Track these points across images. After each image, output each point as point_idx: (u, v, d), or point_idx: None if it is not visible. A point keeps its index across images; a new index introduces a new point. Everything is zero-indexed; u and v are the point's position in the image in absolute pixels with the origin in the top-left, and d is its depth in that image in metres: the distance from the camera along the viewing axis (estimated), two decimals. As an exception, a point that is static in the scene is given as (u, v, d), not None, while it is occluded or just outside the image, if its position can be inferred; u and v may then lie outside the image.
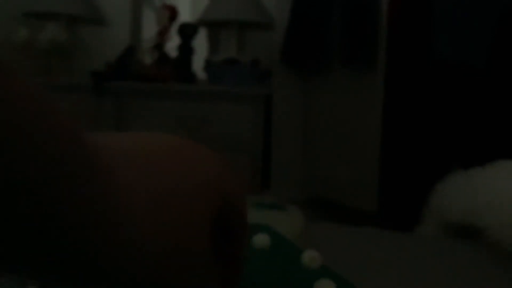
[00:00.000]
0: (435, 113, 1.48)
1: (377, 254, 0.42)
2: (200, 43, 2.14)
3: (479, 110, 1.36)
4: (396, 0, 1.68)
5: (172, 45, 2.07)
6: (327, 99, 2.04)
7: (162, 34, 2.10)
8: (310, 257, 0.28)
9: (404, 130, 1.60)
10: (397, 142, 1.64)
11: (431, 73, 1.50)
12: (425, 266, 0.37)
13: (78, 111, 1.84)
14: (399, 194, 1.59)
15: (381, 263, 0.39)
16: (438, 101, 1.47)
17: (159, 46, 2.07)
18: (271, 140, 1.93)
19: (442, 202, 0.57)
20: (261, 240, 0.31)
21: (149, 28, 2.23)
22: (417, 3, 1.57)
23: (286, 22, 2.09)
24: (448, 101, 1.45)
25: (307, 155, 2.12)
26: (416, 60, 1.57)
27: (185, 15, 2.21)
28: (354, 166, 1.84)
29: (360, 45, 1.83)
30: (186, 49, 2.03)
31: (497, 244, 0.48)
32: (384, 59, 1.72)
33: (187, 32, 2.03)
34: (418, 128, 1.54)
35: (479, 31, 1.38)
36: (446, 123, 1.45)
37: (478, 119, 1.36)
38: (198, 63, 2.07)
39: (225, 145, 1.77)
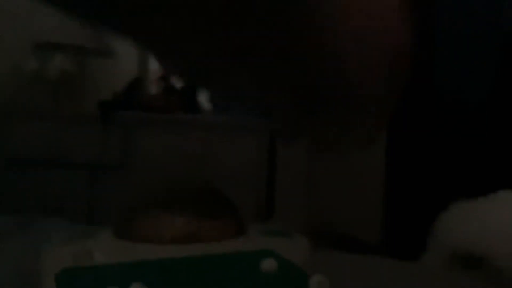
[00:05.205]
0: (438, 143, 1.49)
1: (383, 282, 0.42)
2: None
3: (482, 141, 1.38)
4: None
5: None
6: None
7: (169, 65, 2.13)
8: (318, 281, 0.29)
9: (408, 160, 1.61)
10: (401, 172, 1.64)
11: (432, 107, 1.52)
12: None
13: (85, 140, 1.86)
14: (403, 224, 1.58)
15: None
16: (441, 132, 1.49)
17: (165, 77, 2.10)
18: (275, 172, 1.93)
19: (446, 232, 0.58)
20: (268, 264, 0.31)
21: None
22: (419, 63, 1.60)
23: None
24: (451, 132, 1.46)
25: (312, 187, 2.12)
26: (419, 95, 1.59)
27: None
28: (358, 196, 1.84)
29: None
30: (192, 80, 2.05)
31: (501, 273, 0.48)
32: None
33: (193, 63, 2.06)
34: (422, 158, 1.54)
35: (478, 71, 1.41)
36: (449, 153, 1.46)
37: (481, 149, 1.37)
38: (203, 93, 2.09)
39: (229, 176, 1.78)
